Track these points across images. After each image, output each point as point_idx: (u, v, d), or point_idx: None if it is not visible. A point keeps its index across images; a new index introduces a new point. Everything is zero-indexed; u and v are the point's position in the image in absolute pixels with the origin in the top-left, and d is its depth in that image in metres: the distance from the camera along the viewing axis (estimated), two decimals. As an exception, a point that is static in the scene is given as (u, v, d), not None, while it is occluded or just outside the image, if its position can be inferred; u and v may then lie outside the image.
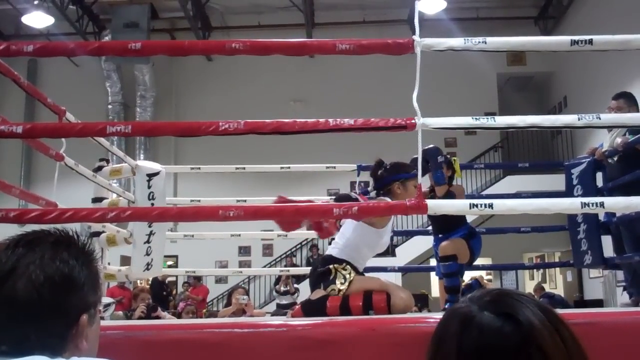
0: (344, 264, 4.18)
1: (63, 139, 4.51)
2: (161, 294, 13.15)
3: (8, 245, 1.43)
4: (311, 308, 3.97)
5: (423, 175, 5.34)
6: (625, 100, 5.71)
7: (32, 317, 1.35)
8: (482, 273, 16.63)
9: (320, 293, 4.05)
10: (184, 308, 8.77)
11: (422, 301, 13.92)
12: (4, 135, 3.16)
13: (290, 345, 2.58)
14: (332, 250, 4.30)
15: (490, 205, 2.98)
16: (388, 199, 4.36)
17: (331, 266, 4.14)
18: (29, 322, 1.35)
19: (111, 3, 16.84)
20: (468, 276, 6.65)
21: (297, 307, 4.05)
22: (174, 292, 15.16)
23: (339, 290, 4.02)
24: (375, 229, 4.30)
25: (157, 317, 7.21)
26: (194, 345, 2.62)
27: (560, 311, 1.34)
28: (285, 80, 17.91)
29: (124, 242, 5.61)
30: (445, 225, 5.66)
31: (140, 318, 7.13)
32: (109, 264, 5.75)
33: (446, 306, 5.44)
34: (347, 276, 4.09)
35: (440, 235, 5.75)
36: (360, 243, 4.31)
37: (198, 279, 14.65)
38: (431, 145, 5.24)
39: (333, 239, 4.62)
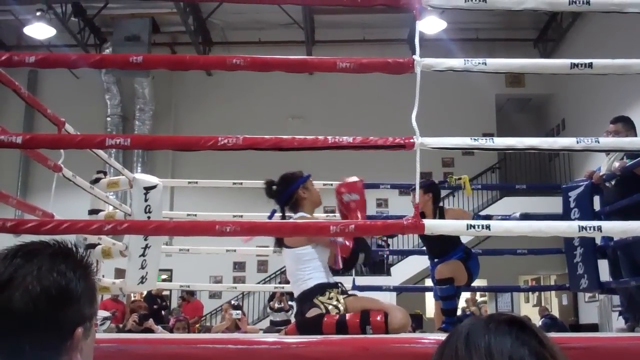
0: (325, 292, 4.10)
1: (62, 150, 4.52)
2: (152, 307, 13.10)
3: (6, 255, 1.42)
4: (306, 325, 3.93)
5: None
6: (624, 124, 5.73)
7: (27, 329, 1.34)
8: (477, 295, 16.70)
9: (316, 311, 3.98)
10: (175, 324, 8.72)
11: (417, 321, 13.88)
12: (3, 145, 3.16)
13: (284, 363, 2.57)
14: (301, 285, 4.17)
15: (488, 227, 2.98)
16: (305, 214, 4.34)
17: (316, 300, 4.03)
18: (24, 333, 1.34)
19: (113, 16, 16.90)
20: (464, 297, 6.67)
21: (291, 324, 3.98)
22: (168, 304, 15.11)
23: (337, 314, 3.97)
24: (311, 246, 4.23)
25: (150, 328, 7.19)
26: (187, 360, 2.61)
27: (554, 335, 1.35)
28: (284, 96, 17.93)
29: (119, 254, 5.61)
30: (440, 250, 5.68)
31: (132, 327, 7.12)
32: (103, 276, 5.74)
33: (442, 326, 5.46)
34: (337, 303, 4.03)
35: (436, 260, 5.77)
36: (311, 263, 4.20)
37: (191, 294, 14.60)
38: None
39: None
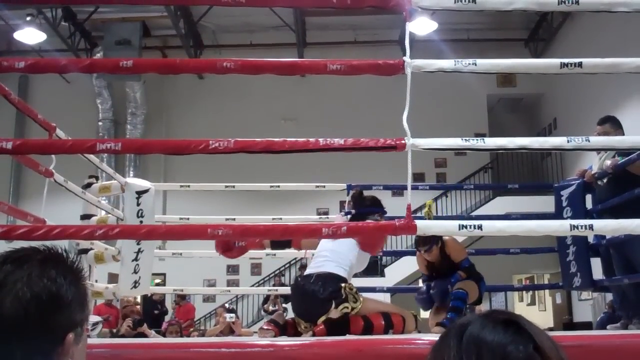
0: (350, 284, 4.29)
1: (53, 156, 4.50)
2: (152, 312, 13.07)
3: (-5, 262, 1.42)
4: (334, 326, 4.02)
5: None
6: (611, 125, 5.74)
7: (18, 335, 1.34)
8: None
9: (337, 312, 4.10)
10: (167, 328, 8.69)
11: (411, 322, 13.84)
12: (-7, 151, 3.15)
13: (277, 365, 2.57)
14: (334, 268, 4.32)
15: (480, 227, 2.98)
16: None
17: (343, 284, 4.20)
18: (15, 339, 1.34)
19: (103, 20, 16.87)
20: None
21: (320, 325, 4.04)
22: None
23: (352, 309, 4.14)
24: (368, 254, 4.46)
25: (143, 333, 7.16)
26: (181, 365, 2.60)
27: (550, 334, 1.34)
28: (276, 99, 17.93)
29: (112, 259, 5.59)
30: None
31: (126, 332, 7.09)
32: (96, 281, 5.73)
33: (443, 321, 5.39)
34: (356, 296, 4.20)
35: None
36: (356, 266, 4.45)
37: (182, 297, 14.57)
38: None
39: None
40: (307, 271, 4.47)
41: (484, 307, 17.55)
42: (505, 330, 1.19)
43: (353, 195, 4.98)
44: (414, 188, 5.59)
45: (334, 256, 4.38)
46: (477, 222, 3.01)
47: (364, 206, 4.80)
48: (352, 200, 4.97)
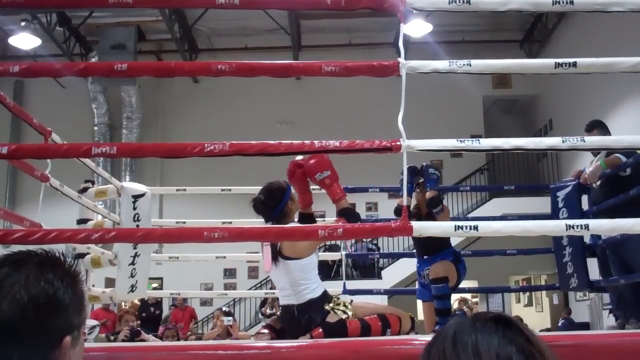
0: (331, 299, 4.19)
1: (48, 160, 4.50)
2: (148, 315, 13.03)
3: (-7, 264, 1.42)
4: (332, 330, 3.96)
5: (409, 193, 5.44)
6: (599, 131, 5.75)
7: (15, 338, 1.34)
8: (468, 296, 16.72)
9: (335, 317, 4.05)
10: (164, 332, 8.68)
11: (408, 324, 13.83)
12: (-11, 156, 3.14)
13: (275, 368, 2.57)
14: (309, 294, 4.13)
15: (476, 227, 2.98)
16: (296, 224, 4.29)
17: (326, 307, 4.10)
18: (12, 342, 1.34)
19: (98, 25, 16.85)
20: (454, 298, 6.66)
21: (317, 329, 3.99)
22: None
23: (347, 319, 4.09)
24: (314, 254, 4.24)
25: (141, 339, 7.16)
26: (178, 368, 2.60)
27: (546, 334, 1.35)
28: (271, 102, 17.93)
29: (109, 263, 5.58)
30: (429, 247, 5.68)
31: (123, 342, 7.08)
32: (93, 285, 5.72)
33: (436, 328, 5.46)
34: (344, 308, 4.11)
35: (425, 257, 5.77)
36: (314, 271, 4.22)
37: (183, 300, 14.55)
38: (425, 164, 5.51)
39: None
40: (283, 301, 4.28)
41: (480, 309, 17.56)
42: (495, 327, 1.20)
43: (255, 207, 4.28)
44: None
45: (299, 287, 4.14)
46: (472, 223, 3.01)
47: (269, 208, 4.24)
48: (257, 212, 4.30)
